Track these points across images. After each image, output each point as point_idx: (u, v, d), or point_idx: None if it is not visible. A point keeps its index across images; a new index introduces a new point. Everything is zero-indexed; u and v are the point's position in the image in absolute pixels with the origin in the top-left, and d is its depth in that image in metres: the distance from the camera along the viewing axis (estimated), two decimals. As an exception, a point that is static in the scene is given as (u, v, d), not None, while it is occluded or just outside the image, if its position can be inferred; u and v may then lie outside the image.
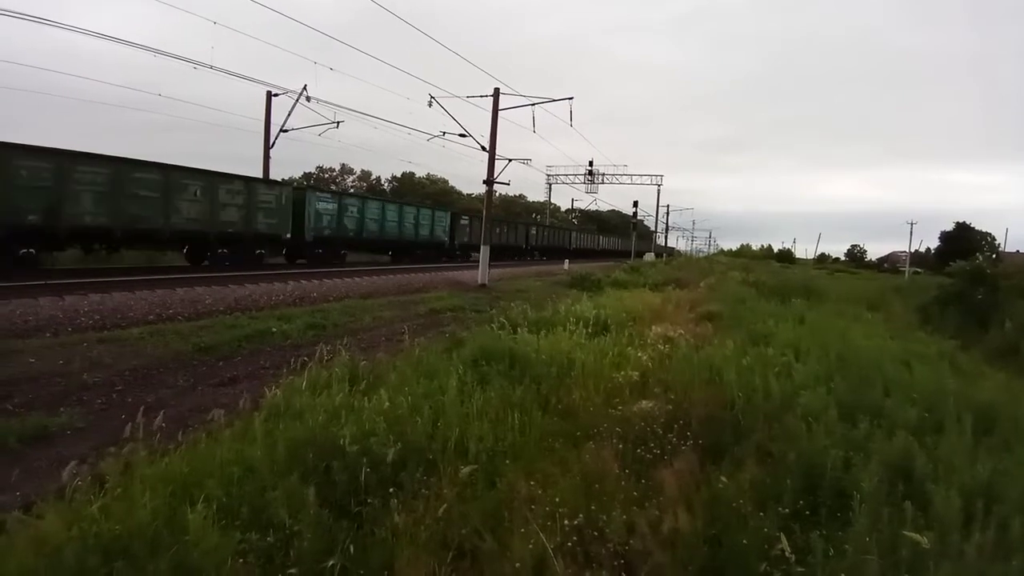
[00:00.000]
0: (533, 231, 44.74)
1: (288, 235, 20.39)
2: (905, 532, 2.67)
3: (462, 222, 33.48)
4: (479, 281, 19.84)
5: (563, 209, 74.45)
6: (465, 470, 3.35)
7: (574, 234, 55.88)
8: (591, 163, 46.94)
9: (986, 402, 5.10)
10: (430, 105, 21.22)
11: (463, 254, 33.52)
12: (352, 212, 24.03)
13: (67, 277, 12.64)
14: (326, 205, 22.70)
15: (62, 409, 5.24)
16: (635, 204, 52.31)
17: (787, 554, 2.60)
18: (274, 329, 9.23)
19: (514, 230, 41.34)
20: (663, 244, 77.98)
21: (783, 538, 2.68)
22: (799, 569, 2.67)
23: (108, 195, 14.76)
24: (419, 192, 56.95)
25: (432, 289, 17.62)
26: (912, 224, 69.26)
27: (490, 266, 20.74)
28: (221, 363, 7.41)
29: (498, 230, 35.89)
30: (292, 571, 2.57)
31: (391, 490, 3.19)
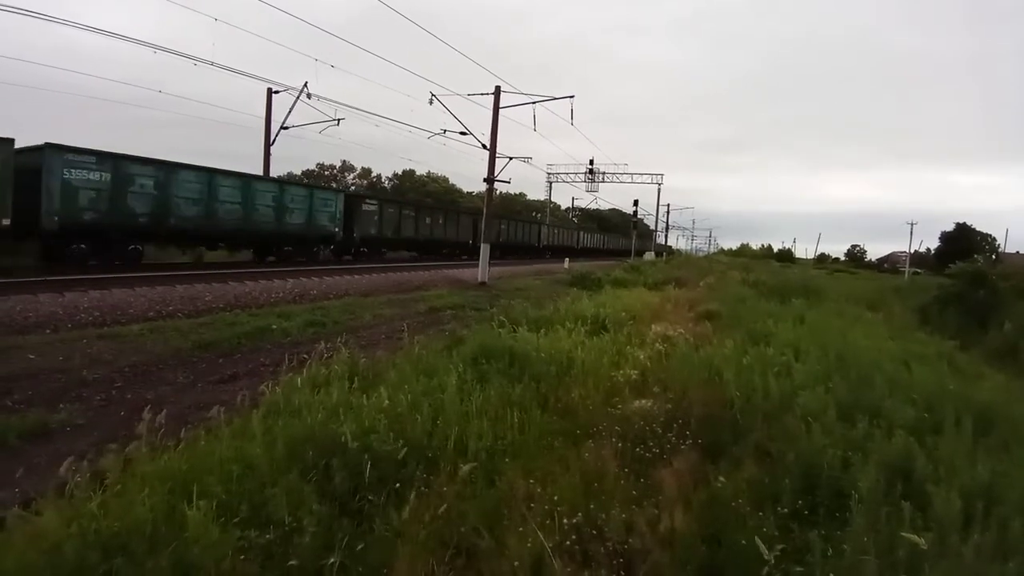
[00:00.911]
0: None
1: (6, 220, 12.88)
2: (903, 534, 2.67)
3: (366, 208, 25.24)
4: (479, 279, 19.86)
5: (563, 208, 74.41)
6: (465, 468, 3.36)
7: (544, 229, 47.17)
8: (592, 162, 46.83)
9: (985, 403, 5.10)
10: (431, 103, 21.32)
11: (372, 251, 26.15)
12: (144, 187, 15.86)
13: (67, 273, 12.64)
14: (88, 175, 14.55)
15: (62, 405, 5.24)
16: (635, 203, 52.13)
17: (766, 557, 2.58)
18: (274, 326, 9.24)
19: (452, 221, 32.57)
20: (663, 243, 77.67)
21: (760, 544, 2.65)
22: (797, 568, 2.68)
23: None
24: (420, 190, 56.90)
25: (432, 287, 17.63)
26: (912, 224, 69.27)
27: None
28: (221, 360, 7.42)
29: (428, 220, 29.79)
30: (293, 562, 2.58)
31: (396, 486, 3.20)
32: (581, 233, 58.76)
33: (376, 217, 25.83)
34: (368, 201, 26.19)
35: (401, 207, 28.97)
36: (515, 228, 41.38)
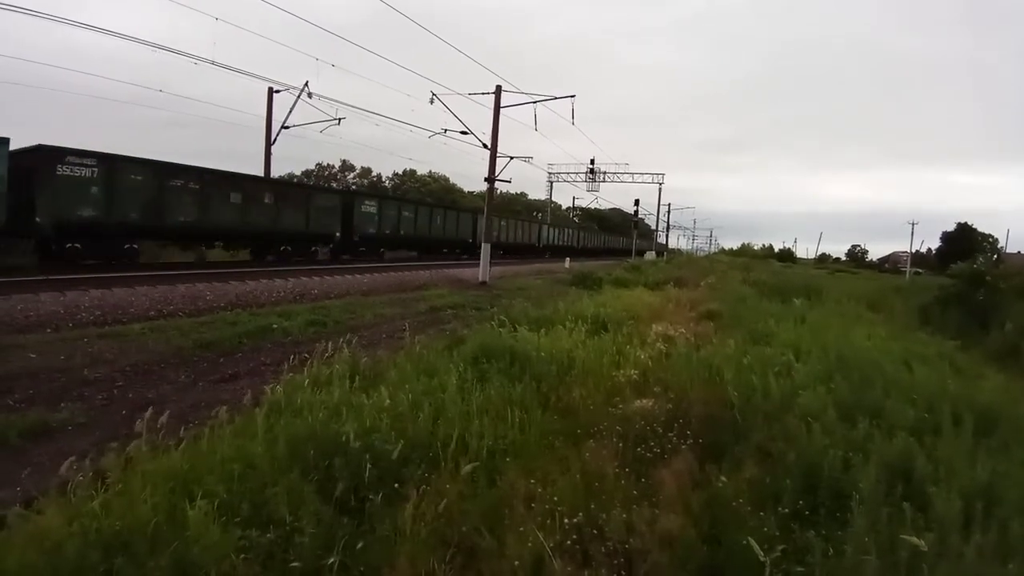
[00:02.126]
0: (369, 207, 25.75)
1: None
2: (904, 536, 2.67)
3: (68, 172, 14.34)
4: (480, 279, 19.87)
5: (564, 207, 74.39)
6: (466, 468, 3.36)
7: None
8: (592, 161, 46.87)
9: (986, 403, 5.10)
10: (432, 102, 21.32)
11: (100, 246, 15.39)
12: None
13: (68, 272, 12.65)
14: None
15: (63, 405, 5.24)
16: (636, 203, 52.10)
17: (762, 559, 2.58)
18: (275, 326, 9.25)
19: (295, 204, 21.62)
20: (663, 243, 77.44)
21: (755, 546, 2.65)
22: (798, 569, 2.68)
23: None
24: (421, 190, 56.90)
25: (433, 286, 17.62)
26: (913, 224, 69.21)
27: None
28: (222, 359, 7.42)
29: (236, 198, 19.08)
30: (295, 564, 2.58)
31: (396, 485, 3.21)
32: (547, 229, 46.84)
33: (96, 189, 14.95)
34: (74, 161, 14.51)
35: (164, 176, 16.84)
36: (440, 219, 30.76)
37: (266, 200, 20.46)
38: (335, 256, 24.54)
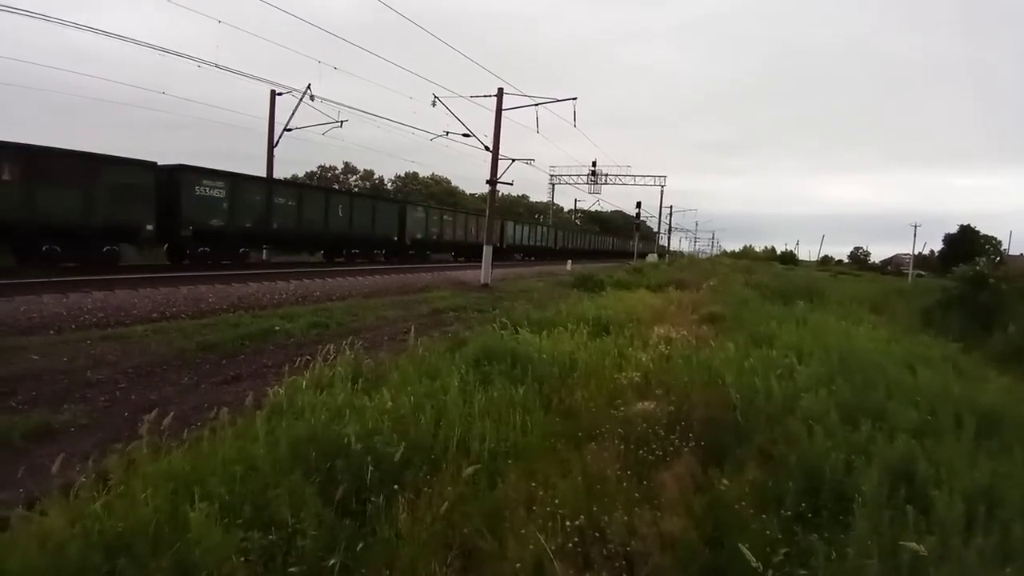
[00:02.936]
0: (211, 189, 18.06)
1: None
2: (903, 542, 2.66)
3: None
4: (482, 281, 19.89)
5: (567, 210, 74.40)
6: (468, 470, 3.36)
7: (415, 212, 29.31)
8: (594, 164, 46.94)
9: (988, 405, 5.08)
10: (434, 105, 21.40)
11: None
12: None
13: (71, 275, 12.69)
14: None
15: (66, 406, 5.25)
16: (638, 205, 52.11)
17: (754, 565, 2.57)
18: (277, 328, 9.25)
19: (76, 186, 14.58)
20: (664, 245, 77.30)
21: (746, 552, 2.64)
22: (801, 572, 2.67)
23: None
24: (423, 192, 56.97)
25: (435, 289, 17.63)
26: (916, 227, 69.08)
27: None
28: (224, 361, 7.43)
29: (19, 179, 13.42)
30: (293, 570, 2.58)
31: (398, 487, 3.21)
32: (512, 225, 39.61)
33: None
34: None
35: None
36: (344, 210, 23.95)
37: (4, 176, 13.34)
38: (174, 259, 18.19)
